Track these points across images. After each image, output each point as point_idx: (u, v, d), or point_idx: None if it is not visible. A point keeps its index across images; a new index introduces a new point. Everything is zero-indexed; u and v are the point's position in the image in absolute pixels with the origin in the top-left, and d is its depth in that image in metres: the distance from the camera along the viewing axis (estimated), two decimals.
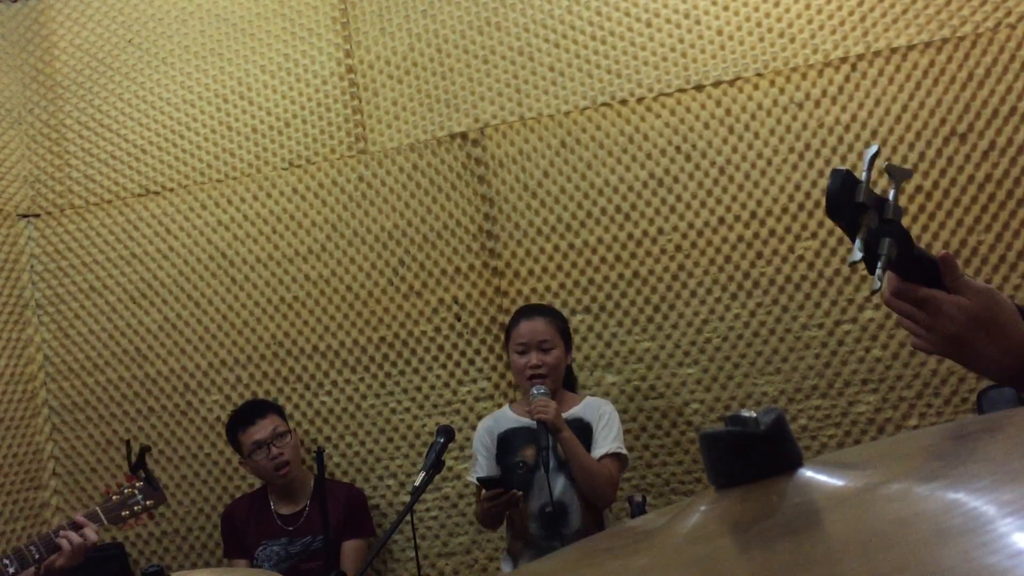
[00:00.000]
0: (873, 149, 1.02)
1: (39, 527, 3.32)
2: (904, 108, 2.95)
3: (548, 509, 2.55)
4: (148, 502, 2.39)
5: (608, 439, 2.60)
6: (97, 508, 2.34)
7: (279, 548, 2.97)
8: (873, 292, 1.00)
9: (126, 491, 2.39)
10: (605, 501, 2.60)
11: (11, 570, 2.14)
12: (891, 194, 1.02)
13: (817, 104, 3.01)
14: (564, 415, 2.57)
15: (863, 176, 0.99)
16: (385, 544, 2.88)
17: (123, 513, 2.35)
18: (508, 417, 2.75)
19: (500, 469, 2.67)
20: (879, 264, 0.97)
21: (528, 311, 2.76)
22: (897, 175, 1.03)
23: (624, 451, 2.62)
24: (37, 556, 2.18)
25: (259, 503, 3.05)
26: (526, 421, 2.60)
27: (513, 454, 2.67)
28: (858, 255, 0.97)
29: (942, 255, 1.05)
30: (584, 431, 2.61)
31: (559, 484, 2.58)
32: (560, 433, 2.47)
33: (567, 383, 2.79)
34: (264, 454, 2.93)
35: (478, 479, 2.59)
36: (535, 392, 2.52)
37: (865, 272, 2.88)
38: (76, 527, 2.23)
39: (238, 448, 3.02)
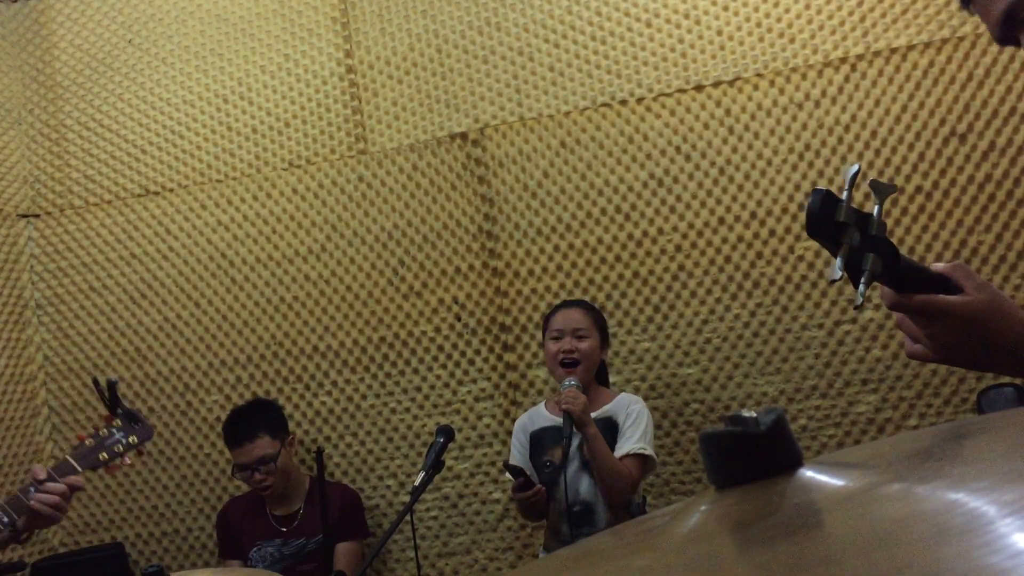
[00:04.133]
0: (854, 168, 1.03)
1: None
2: (904, 108, 2.95)
3: (576, 508, 2.56)
4: (131, 439, 2.17)
5: (632, 438, 2.56)
6: (67, 457, 2.10)
7: (273, 549, 2.96)
8: (856, 307, 1.00)
9: (101, 432, 2.17)
10: (622, 501, 2.56)
11: None
12: (875, 210, 1.02)
13: (817, 104, 3.01)
14: (595, 413, 2.57)
15: (844, 195, 1.00)
16: (385, 544, 2.88)
17: (101, 456, 2.13)
18: (542, 415, 2.76)
19: (532, 467, 2.68)
20: (862, 280, 0.98)
21: (566, 303, 2.81)
22: (881, 191, 1.04)
23: (649, 452, 2.57)
24: (6, 520, 1.97)
25: (254, 504, 3.04)
26: (558, 420, 2.58)
27: (544, 453, 2.67)
28: (837, 274, 0.97)
29: (953, 265, 1.05)
30: (612, 428, 2.60)
31: (584, 483, 2.58)
32: (585, 428, 2.46)
33: (600, 378, 2.78)
34: (246, 476, 2.91)
35: (504, 464, 2.62)
36: (566, 383, 2.52)
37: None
38: (39, 484, 2.01)
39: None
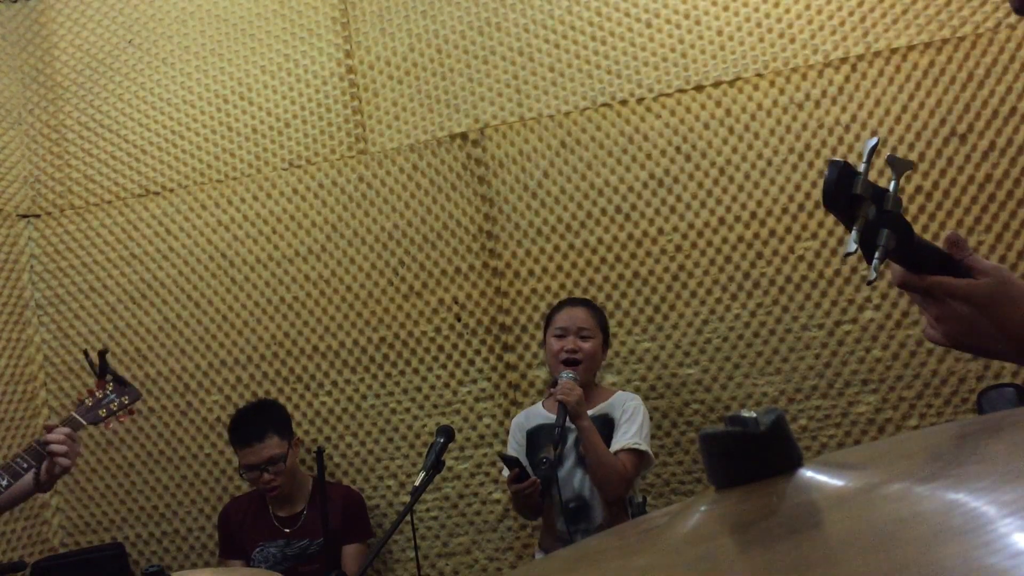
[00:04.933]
0: (873, 141, 1.01)
1: (39, 527, 3.33)
2: (904, 108, 2.95)
3: (572, 505, 2.56)
4: (123, 399, 2.45)
5: (627, 434, 2.56)
6: (73, 413, 2.38)
7: (276, 550, 2.96)
8: (869, 283, 0.99)
9: (98, 395, 2.44)
10: (615, 496, 2.55)
11: (3, 482, 2.18)
12: (891, 185, 1.01)
13: (817, 104, 3.01)
14: (592, 411, 2.57)
15: (862, 168, 0.99)
16: (385, 544, 2.88)
17: (100, 412, 2.41)
18: (539, 413, 2.76)
19: (528, 464, 2.68)
20: (876, 255, 0.97)
21: (571, 301, 2.81)
22: (898, 166, 1.03)
23: (644, 447, 2.56)
24: (25, 466, 2.21)
25: (256, 504, 3.04)
26: (555, 417, 2.58)
27: (540, 450, 2.67)
28: (852, 247, 0.96)
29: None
30: (608, 425, 2.60)
31: (579, 479, 2.58)
32: (579, 420, 2.47)
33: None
34: (255, 476, 2.91)
35: (499, 454, 2.62)
36: (563, 376, 2.52)
37: (866, 272, 2.88)
38: (48, 431, 2.26)
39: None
